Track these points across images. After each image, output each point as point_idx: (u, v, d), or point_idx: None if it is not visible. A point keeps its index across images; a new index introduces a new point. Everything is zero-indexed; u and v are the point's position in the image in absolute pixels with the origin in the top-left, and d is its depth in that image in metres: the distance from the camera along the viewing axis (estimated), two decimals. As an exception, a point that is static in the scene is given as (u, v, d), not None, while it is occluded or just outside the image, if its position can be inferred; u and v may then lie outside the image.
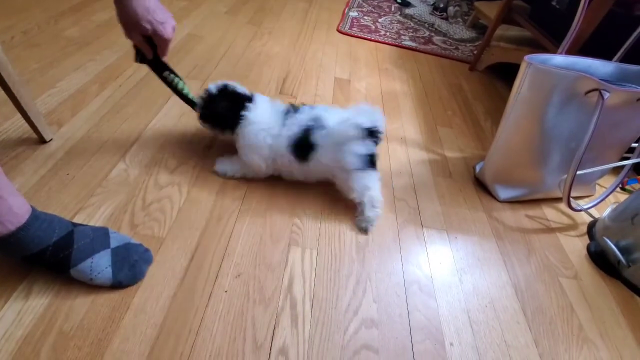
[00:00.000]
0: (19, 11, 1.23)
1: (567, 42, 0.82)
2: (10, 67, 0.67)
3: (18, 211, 0.47)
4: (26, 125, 0.75)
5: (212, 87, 0.74)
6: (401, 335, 0.58)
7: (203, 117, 0.76)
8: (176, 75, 0.76)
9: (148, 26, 0.62)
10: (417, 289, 0.65)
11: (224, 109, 0.73)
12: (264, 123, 0.71)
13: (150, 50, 0.68)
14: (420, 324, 0.60)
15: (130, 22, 0.61)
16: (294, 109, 0.74)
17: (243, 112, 0.71)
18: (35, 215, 0.49)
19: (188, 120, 0.91)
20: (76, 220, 0.63)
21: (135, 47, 0.69)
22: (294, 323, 0.56)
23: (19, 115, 0.73)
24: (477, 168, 0.92)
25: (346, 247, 0.69)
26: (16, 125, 0.79)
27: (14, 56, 1.01)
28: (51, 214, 0.53)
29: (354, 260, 0.67)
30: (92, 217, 0.65)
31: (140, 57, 0.71)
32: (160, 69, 0.74)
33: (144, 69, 1.05)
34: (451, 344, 0.58)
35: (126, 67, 1.05)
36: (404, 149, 0.98)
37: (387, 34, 1.66)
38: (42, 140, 0.76)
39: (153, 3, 0.62)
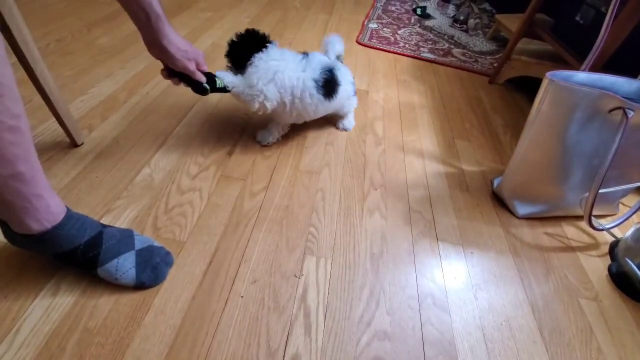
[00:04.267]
0: (54, 19, 1.30)
1: (591, 58, 0.81)
2: (47, 73, 0.71)
3: (55, 210, 0.50)
4: (60, 129, 0.79)
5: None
6: (414, 349, 0.58)
7: (230, 54, 0.80)
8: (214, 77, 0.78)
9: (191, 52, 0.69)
10: (430, 303, 0.65)
11: (248, 43, 0.80)
12: (289, 66, 0.80)
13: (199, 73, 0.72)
14: (433, 339, 0.60)
15: (182, 56, 0.66)
16: (304, 54, 0.86)
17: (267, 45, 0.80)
18: (69, 215, 0.52)
19: (210, 127, 0.94)
20: (103, 221, 0.66)
21: (193, 84, 0.73)
22: (307, 332, 0.57)
23: (53, 119, 0.77)
24: (495, 183, 0.92)
25: (360, 257, 0.70)
26: (50, 129, 0.84)
27: (49, 63, 1.07)
28: (83, 214, 0.56)
29: (368, 271, 0.68)
30: (118, 219, 0.68)
31: (210, 86, 0.74)
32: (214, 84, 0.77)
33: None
34: (465, 361, 0.58)
35: (153, 76, 1.10)
36: (421, 161, 0.98)
37: (406, 45, 1.67)
38: (74, 144, 0.81)
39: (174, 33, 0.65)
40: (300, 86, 0.81)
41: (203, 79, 0.73)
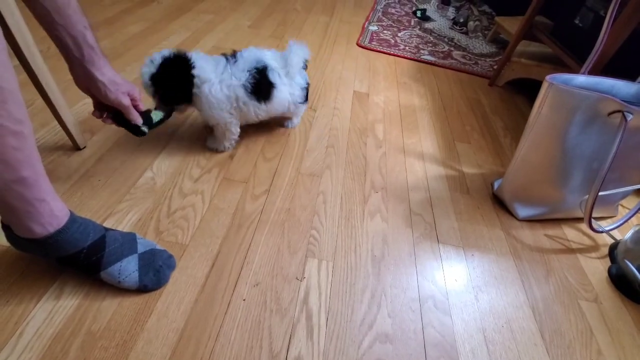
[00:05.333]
0: (56, 23, 1.30)
1: (590, 62, 0.81)
2: (50, 76, 0.72)
3: (58, 214, 0.50)
4: (62, 132, 0.79)
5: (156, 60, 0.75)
6: (415, 351, 0.58)
7: (163, 101, 0.76)
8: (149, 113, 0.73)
9: (127, 86, 0.64)
10: (432, 305, 0.65)
11: (175, 86, 0.75)
12: (214, 78, 0.77)
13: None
14: (434, 341, 0.60)
15: (116, 90, 0.61)
16: (231, 56, 0.81)
17: (193, 77, 0.75)
18: (73, 219, 0.52)
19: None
20: (105, 224, 0.66)
21: (126, 124, 0.68)
22: (309, 335, 0.57)
23: (55, 122, 0.78)
24: (496, 185, 0.92)
25: (362, 260, 0.70)
26: (53, 133, 0.84)
27: (50, 66, 1.06)
28: (85, 218, 0.56)
29: (369, 274, 0.68)
30: (121, 222, 0.68)
31: (148, 126, 0.70)
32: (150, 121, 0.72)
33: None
34: (466, 363, 0.58)
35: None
36: (421, 163, 0.98)
37: (407, 48, 1.67)
38: (76, 148, 0.81)
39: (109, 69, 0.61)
40: (232, 95, 0.78)
41: (139, 120, 0.68)
